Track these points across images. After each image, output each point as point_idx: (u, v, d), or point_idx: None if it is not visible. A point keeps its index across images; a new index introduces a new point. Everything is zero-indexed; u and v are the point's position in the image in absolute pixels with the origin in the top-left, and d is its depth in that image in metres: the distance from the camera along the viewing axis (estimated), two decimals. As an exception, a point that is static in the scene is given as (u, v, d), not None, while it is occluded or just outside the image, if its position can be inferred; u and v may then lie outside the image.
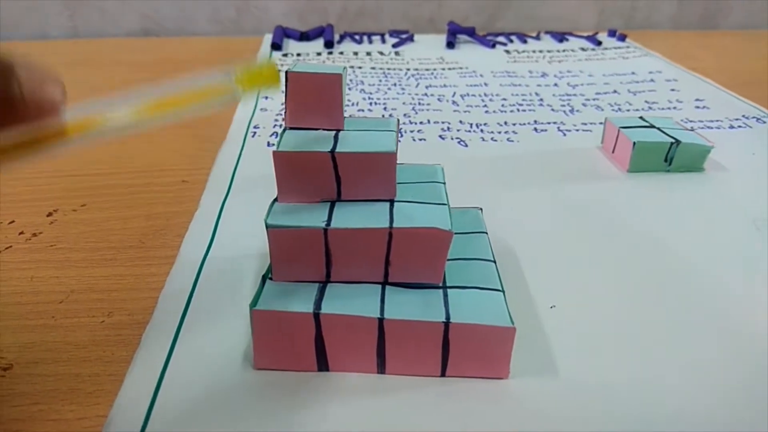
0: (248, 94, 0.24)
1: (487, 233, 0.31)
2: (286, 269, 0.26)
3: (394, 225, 0.25)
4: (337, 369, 0.25)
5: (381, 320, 0.24)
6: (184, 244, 0.35)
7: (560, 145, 0.49)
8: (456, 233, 0.25)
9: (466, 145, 0.48)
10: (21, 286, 0.32)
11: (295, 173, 0.26)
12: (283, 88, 0.27)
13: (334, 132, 0.28)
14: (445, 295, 0.26)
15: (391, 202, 0.27)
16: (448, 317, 0.24)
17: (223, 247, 0.34)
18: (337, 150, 0.26)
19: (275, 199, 0.27)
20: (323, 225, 0.25)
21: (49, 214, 0.39)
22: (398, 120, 0.32)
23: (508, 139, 0.50)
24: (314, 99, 0.28)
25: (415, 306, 0.25)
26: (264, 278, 0.26)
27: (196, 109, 0.23)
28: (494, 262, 0.29)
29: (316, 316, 0.24)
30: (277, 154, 0.26)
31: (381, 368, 0.25)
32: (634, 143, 0.43)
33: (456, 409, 0.24)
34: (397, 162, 0.27)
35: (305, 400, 0.24)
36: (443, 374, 0.25)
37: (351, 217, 0.26)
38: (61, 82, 0.19)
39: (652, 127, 0.46)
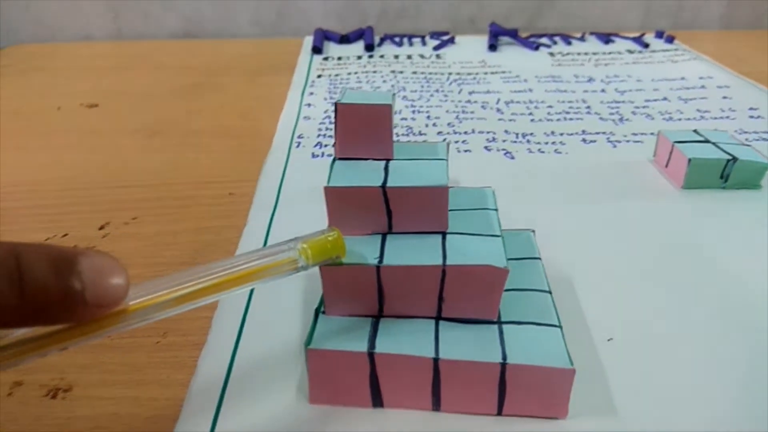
0: (313, 265, 0.24)
1: (540, 259, 0.31)
2: (338, 305, 0.26)
3: (448, 262, 0.25)
4: (392, 406, 0.25)
5: (436, 360, 0.24)
6: (234, 262, 0.35)
7: (611, 158, 0.47)
8: (509, 259, 0.25)
9: (513, 158, 0.48)
10: (77, 304, 0.33)
11: (347, 207, 0.26)
12: (333, 119, 0.26)
13: (384, 162, 0.28)
14: (501, 332, 0.25)
15: (443, 234, 0.27)
16: (504, 357, 0.24)
17: (273, 266, 0.34)
18: (389, 185, 0.26)
19: None
20: (376, 262, 0.25)
21: (101, 227, 0.40)
22: (448, 144, 0.31)
23: (555, 151, 0.49)
24: (364, 130, 0.27)
25: (470, 344, 0.24)
26: (317, 312, 0.26)
27: (259, 283, 0.23)
28: (550, 293, 0.28)
29: (371, 355, 0.24)
30: (328, 190, 0.26)
31: (436, 405, 0.25)
32: (690, 160, 0.41)
33: (513, 449, 0.23)
34: None
35: (360, 436, 0.24)
36: (500, 413, 0.25)
37: (403, 253, 0.25)
38: (126, 273, 0.18)
39: (707, 141, 0.44)
